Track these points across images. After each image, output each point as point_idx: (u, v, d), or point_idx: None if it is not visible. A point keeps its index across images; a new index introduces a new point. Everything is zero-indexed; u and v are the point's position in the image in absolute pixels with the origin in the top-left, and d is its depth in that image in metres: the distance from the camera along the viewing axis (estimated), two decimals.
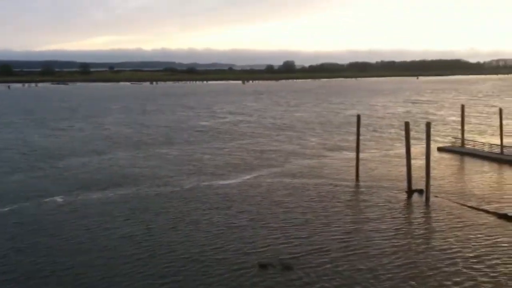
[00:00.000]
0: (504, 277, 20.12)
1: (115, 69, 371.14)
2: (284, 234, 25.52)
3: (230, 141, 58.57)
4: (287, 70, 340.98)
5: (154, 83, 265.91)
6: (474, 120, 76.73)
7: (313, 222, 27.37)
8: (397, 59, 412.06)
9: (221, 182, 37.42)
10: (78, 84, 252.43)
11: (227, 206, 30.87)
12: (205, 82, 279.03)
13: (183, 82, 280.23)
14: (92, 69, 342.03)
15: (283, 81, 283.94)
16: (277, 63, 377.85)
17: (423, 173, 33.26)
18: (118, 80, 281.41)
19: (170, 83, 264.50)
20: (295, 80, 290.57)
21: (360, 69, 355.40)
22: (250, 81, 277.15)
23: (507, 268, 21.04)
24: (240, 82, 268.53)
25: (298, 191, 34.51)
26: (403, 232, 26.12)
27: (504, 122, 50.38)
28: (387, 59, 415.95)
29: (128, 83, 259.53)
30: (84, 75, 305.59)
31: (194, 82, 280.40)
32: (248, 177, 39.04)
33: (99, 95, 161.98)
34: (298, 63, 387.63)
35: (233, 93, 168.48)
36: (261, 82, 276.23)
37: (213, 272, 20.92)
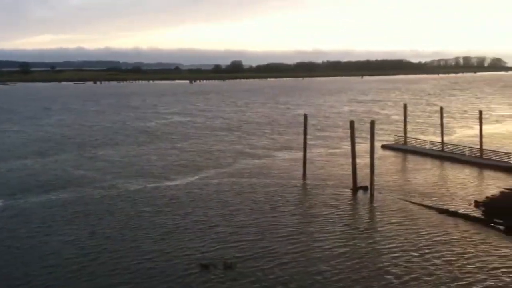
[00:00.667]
0: (447, 272, 20.71)
1: (57, 68, 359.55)
2: (230, 235, 25.36)
3: (177, 141, 57.92)
4: (235, 70, 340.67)
5: (98, 83, 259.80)
6: (416, 119, 79.12)
7: (260, 222, 27.36)
8: (343, 59, 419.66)
9: (168, 183, 36.90)
10: (18, 84, 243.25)
11: (174, 208, 30.44)
12: (151, 82, 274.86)
13: (128, 82, 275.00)
14: (32, 69, 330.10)
15: (231, 81, 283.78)
16: (225, 63, 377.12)
17: (368, 171, 33.96)
18: (60, 80, 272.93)
19: (114, 83, 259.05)
20: (242, 80, 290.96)
21: (306, 69, 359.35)
22: (198, 81, 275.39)
23: (450, 263, 21.69)
24: (187, 82, 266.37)
25: (246, 191, 34.46)
26: (349, 229, 26.50)
27: (444, 120, 52.17)
28: (332, 59, 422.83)
29: (71, 83, 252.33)
30: (24, 75, 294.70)
31: (139, 82, 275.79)
32: (195, 178, 38.68)
33: (40, 95, 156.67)
34: (246, 63, 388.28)
35: (180, 93, 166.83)
36: (208, 82, 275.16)
37: (156, 275, 20.57)
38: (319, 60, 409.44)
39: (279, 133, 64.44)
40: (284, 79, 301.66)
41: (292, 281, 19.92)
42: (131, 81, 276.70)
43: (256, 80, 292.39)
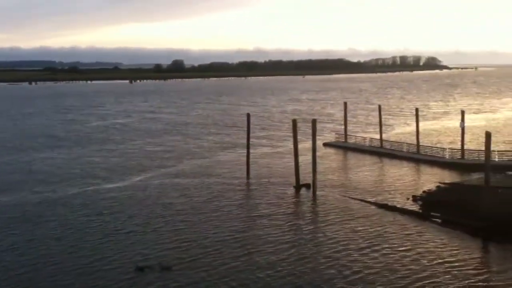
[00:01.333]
0: (386, 265, 21.30)
1: None
2: (170, 237, 25.01)
3: (120, 143, 56.74)
4: (177, 69, 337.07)
5: (34, 83, 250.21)
6: (357, 117, 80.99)
7: (203, 224, 27.15)
8: (284, 58, 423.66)
9: (110, 185, 36.08)
10: None
11: (115, 211, 29.76)
12: (89, 82, 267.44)
13: (65, 82, 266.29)
14: None
15: (173, 80, 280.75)
16: (166, 62, 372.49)
17: (310, 168, 34.45)
18: None
19: (50, 83, 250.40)
20: (184, 80, 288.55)
21: (249, 68, 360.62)
22: (138, 81, 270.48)
23: (389, 255, 22.32)
24: (127, 81, 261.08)
25: (190, 191, 34.19)
26: (293, 227, 26.80)
27: (383, 118, 53.69)
28: (274, 58, 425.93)
29: (4, 84, 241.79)
30: None
31: (77, 81, 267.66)
32: (138, 179, 38.03)
33: None
34: (188, 62, 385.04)
35: (120, 93, 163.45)
36: (149, 81, 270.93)
37: (93, 280, 20.13)
38: (261, 60, 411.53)
39: (223, 133, 64.35)
40: (227, 78, 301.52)
41: (232, 281, 19.89)
42: (68, 81, 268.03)
43: (198, 79, 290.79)
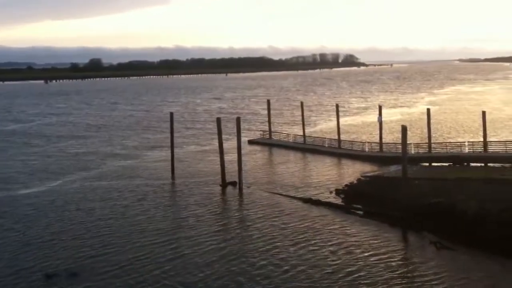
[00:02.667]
0: (312, 257, 21.74)
1: None
2: (93, 244, 24.10)
3: (39, 146, 54.23)
4: (94, 68, 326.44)
5: None
6: (280, 114, 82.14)
7: (128, 227, 26.43)
8: (206, 56, 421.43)
9: (29, 191, 34.38)
10: None
11: (32, 219, 28.35)
12: (0, 82, 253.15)
13: None
14: None
15: (91, 80, 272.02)
16: (83, 60, 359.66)
17: (236, 166, 34.54)
18: None
19: None
20: (103, 79, 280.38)
21: (170, 66, 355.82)
22: (54, 81, 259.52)
23: (314, 248, 22.79)
24: (42, 81, 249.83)
25: (112, 195, 33.23)
26: (221, 226, 26.72)
27: (306, 114, 54.80)
28: (196, 56, 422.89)
29: None
30: None
31: None
32: (58, 183, 36.52)
33: None
34: (106, 60, 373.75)
35: (35, 94, 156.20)
36: (66, 81, 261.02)
37: None
38: (182, 58, 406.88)
39: (146, 133, 63.14)
40: (148, 77, 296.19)
41: (162, 286, 19.58)
42: None
43: (118, 78, 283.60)
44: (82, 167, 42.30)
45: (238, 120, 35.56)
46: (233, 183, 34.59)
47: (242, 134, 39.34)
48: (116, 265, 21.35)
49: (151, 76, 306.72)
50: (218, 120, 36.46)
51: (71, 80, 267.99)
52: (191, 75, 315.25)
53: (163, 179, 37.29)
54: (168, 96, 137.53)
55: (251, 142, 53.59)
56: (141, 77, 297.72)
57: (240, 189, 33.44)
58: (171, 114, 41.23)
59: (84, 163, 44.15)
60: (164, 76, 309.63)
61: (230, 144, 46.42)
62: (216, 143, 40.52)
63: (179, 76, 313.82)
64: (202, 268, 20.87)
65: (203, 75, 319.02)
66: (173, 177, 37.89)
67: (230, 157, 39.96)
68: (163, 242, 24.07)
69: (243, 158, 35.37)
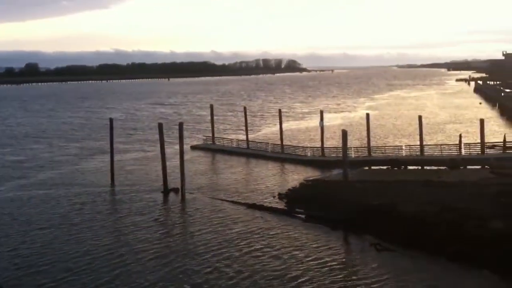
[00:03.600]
0: (254, 262, 21.64)
1: None
2: (23, 253, 23.10)
3: None
4: (31, 73, 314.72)
5: None
6: (223, 119, 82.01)
7: (63, 237, 25.43)
8: (146, 61, 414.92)
9: None
10: None
11: None
12: None
13: None
14: None
15: (27, 85, 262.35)
16: (18, 65, 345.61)
17: (179, 172, 34.04)
18: None
19: None
20: (40, 84, 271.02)
21: (110, 71, 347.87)
22: None
23: (256, 253, 22.70)
24: None
25: (49, 203, 31.97)
26: (163, 234, 26.15)
27: (249, 119, 54.93)
28: (135, 61, 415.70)
29: None
30: None
31: None
32: None
33: None
34: (42, 65, 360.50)
35: None
36: (1, 86, 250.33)
37: None
38: (122, 62, 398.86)
39: (86, 140, 61.38)
40: (87, 82, 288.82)
41: None
42: None
43: (56, 83, 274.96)
44: (18, 175, 40.55)
45: (180, 126, 35.10)
46: (175, 190, 34.06)
47: (185, 140, 38.91)
48: (53, 277, 20.46)
49: (90, 81, 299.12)
50: (160, 126, 35.85)
51: (6, 85, 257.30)
52: (132, 80, 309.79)
53: (102, 187, 36.25)
54: (108, 101, 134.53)
55: (193, 147, 53.09)
56: (80, 82, 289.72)
57: (183, 195, 32.96)
58: (111, 120, 40.21)
59: (20, 171, 42.36)
60: (103, 81, 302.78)
61: (172, 150, 45.77)
62: (157, 149, 39.81)
63: (120, 81, 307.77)
64: (144, 277, 20.33)
65: (144, 80, 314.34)
66: (112, 185, 36.90)
67: (173, 163, 39.37)
68: (103, 251, 23.30)
69: (185, 164, 34.91)
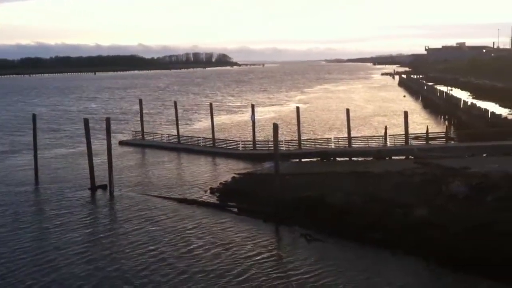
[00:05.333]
0: (187, 258, 21.39)
1: None
2: None
3: None
4: None
5: None
6: (153, 113, 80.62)
7: None
8: (71, 54, 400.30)
9: None
10: None
11: None
12: None
13: None
14: None
15: None
16: None
17: (107, 168, 33.08)
18: None
19: None
20: None
21: (33, 65, 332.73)
22: None
23: (188, 248, 22.45)
24: None
25: None
26: (90, 233, 25.26)
27: (180, 113, 54.21)
28: (61, 54, 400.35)
29: None
30: None
31: None
32: None
33: None
34: None
35: None
36: None
37: None
38: (45, 56, 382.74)
39: (7, 137, 58.40)
40: (7, 76, 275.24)
41: None
42: None
43: None
44: None
45: (107, 121, 34.10)
46: (103, 186, 33.06)
47: (113, 136, 37.92)
48: None
49: (11, 76, 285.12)
50: (86, 121, 34.63)
51: None
52: (57, 74, 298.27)
53: (26, 185, 34.59)
54: (32, 96, 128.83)
55: (122, 143, 51.77)
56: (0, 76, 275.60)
57: (111, 192, 32.05)
58: (34, 115, 38.48)
59: None
60: (26, 76, 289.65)
61: (100, 146, 44.45)
62: (84, 145, 38.50)
63: (43, 75, 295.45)
64: (73, 281, 19.54)
65: (70, 74, 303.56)
66: (37, 183, 35.31)
67: (100, 159, 38.24)
68: (29, 257, 22.07)
69: (114, 160, 33.96)
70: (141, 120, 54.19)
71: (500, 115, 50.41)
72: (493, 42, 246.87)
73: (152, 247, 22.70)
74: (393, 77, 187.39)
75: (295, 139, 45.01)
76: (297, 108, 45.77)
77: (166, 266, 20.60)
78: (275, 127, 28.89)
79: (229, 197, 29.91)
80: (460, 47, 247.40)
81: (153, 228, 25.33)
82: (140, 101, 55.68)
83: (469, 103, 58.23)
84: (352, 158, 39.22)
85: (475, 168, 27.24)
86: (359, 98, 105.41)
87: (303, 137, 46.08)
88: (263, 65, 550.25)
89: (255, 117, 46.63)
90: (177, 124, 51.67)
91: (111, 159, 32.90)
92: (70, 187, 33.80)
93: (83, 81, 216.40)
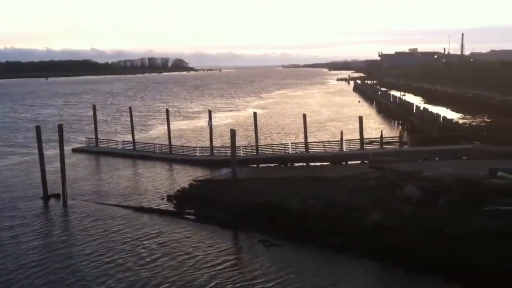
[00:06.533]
0: (144, 267, 21.02)
1: None
2: None
3: None
4: None
5: None
6: (108, 120, 79.16)
7: None
8: (21, 59, 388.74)
9: None
10: None
11: None
12: None
13: None
14: None
15: None
16: None
17: (60, 177, 32.21)
18: None
19: None
20: None
21: None
22: None
23: (145, 257, 22.07)
24: None
25: None
26: (44, 244, 24.49)
27: (136, 119, 53.45)
28: (10, 59, 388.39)
29: None
30: None
31: None
32: None
33: None
34: None
35: None
36: None
37: None
38: None
39: None
40: None
41: None
42: None
43: None
44: None
45: (60, 128, 33.23)
46: (56, 195, 32.16)
47: (67, 143, 36.96)
48: None
49: None
50: (38, 128, 33.68)
51: None
52: (5, 80, 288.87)
53: None
54: None
55: (75, 150, 50.51)
56: None
57: (64, 201, 31.20)
58: None
59: None
60: None
61: (53, 154, 43.25)
62: (36, 153, 37.35)
63: None
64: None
65: (20, 79, 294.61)
66: None
67: (53, 167, 37.22)
68: None
69: (67, 168, 33.13)
70: (95, 127, 53.05)
71: (452, 119, 51.91)
72: (444, 48, 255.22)
73: (109, 258, 22.13)
74: (348, 83, 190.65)
75: (252, 144, 45.02)
76: (255, 113, 45.86)
77: (127, 277, 20.16)
78: (233, 133, 28.84)
79: (187, 204, 29.62)
80: (413, 53, 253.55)
81: (110, 238, 24.77)
82: (94, 107, 54.54)
83: (421, 108, 59.69)
84: (310, 163, 39.55)
85: (428, 172, 27.83)
86: (315, 103, 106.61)
87: (261, 142, 46.17)
88: (220, 70, 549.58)
89: (212, 123, 46.42)
90: (132, 131, 50.85)
91: (64, 167, 32.07)
92: (21, 197, 32.69)
93: (35, 87, 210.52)
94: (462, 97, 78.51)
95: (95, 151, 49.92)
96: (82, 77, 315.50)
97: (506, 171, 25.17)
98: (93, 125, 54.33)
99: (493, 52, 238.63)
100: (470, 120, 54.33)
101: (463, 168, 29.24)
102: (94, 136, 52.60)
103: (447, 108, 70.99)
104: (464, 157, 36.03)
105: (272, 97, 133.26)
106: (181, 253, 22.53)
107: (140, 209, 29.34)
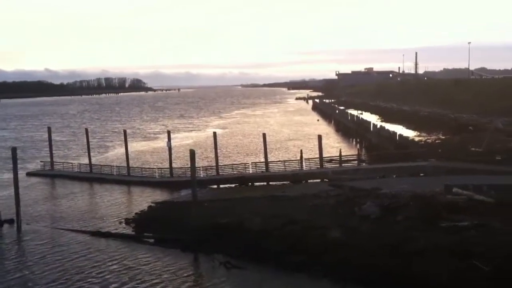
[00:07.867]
0: None
1: None
2: None
3: None
4: None
5: None
6: (64, 142, 77.41)
7: None
8: None
9: None
10: None
11: None
12: None
13: None
14: None
15: None
16: None
17: (13, 202, 31.18)
18: None
19: None
20: None
21: None
22: None
23: (103, 283, 21.47)
24: None
25: None
26: (1, 272, 23.59)
27: (93, 141, 52.40)
28: None
29: None
30: None
31: None
32: None
33: None
34: None
35: None
36: None
37: None
38: None
39: None
40: None
41: None
42: None
43: None
44: None
45: (13, 150, 32.31)
46: (9, 221, 31.07)
47: (21, 166, 35.89)
48: None
49: None
50: None
51: None
52: None
53: None
54: None
55: (30, 174, 49.07)
56: None
57: (19, 227, 30.18)
58: None
59: None
60: None
61: (6, 178, 41.89)
62: None
63: None
64: None
65: None
66: None
67: (7, 192, 36.03)
68: None
69: (21, 192, 32.13)
70: (50, 149, 51.71)
71: (408, 137, 53.14)
72: (399, 67, 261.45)
73: (64, 286, 21.44)
74: (307, 102, 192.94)
75: (213, 165, 44.79)
76: (214, 133, 45.75)
77: None
78: (192, 153, 28.67)
79: (146, 227, 29.07)
80: (368, 72, 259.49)
81: (65, 264, 24.00)
82: (49, 129, 53.26)
83: (378, 126, 60.94)
84: (270, 182, 39.62)
85: (386, 189, 28.29)
86: (275, 122, 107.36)
87: (221, 162, 45.95)
88: (178, 90, 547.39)
89: (171, 144, 46.03)
90: (88, 153, 49.87)
91: (18, 191, 31.12)
92: None
93: None
94: (417, 115, 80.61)
95: (51, 174, 48.63)
96: (37, 99, 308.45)
97: (461, 187, 25.87)
98: (48, 148, 52.98)
99: (445, 70, 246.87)
100: (426, 138, 55.77)
101: (420, 184, 29.87)
102: (49, 159, 51.25)
103: (403, 126, 72.66)
104: (421, 174, 36.83)
105: (232, 116, 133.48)
106: (140, 278, 22.00)
107: (98, 234, 28.61)
